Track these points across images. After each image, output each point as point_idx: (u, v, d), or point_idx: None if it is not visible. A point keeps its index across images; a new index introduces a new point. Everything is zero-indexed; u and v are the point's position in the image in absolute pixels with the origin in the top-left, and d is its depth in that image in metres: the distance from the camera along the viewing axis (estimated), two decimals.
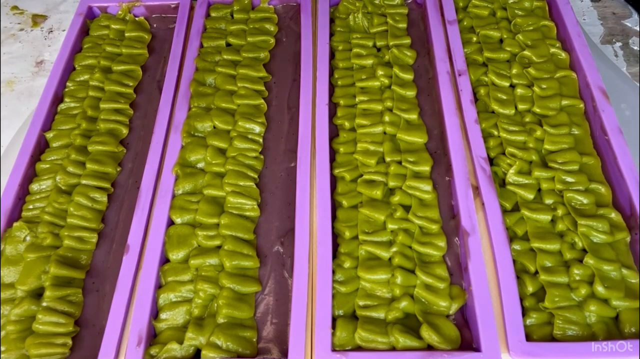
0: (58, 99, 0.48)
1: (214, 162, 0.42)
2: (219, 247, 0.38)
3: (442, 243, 0.37)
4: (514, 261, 0.36)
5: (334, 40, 0.50)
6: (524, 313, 0.35)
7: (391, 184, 0.40)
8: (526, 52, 0.47)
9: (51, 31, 0.61)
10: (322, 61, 0.47)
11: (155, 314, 0.36)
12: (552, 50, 0.47)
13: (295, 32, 0.52)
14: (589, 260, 0.35)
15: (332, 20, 0.52)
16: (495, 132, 0.43)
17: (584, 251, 0.36)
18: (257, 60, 0.48)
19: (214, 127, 0.44)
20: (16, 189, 0.41)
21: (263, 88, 0.47)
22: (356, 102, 0.45)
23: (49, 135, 0.45)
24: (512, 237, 0.38)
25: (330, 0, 0.52)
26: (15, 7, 0.63)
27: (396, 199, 0.39)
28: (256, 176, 0.42)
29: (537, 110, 0.44)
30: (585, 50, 0.46)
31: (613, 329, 0.34)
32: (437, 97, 0.46)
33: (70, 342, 0.35)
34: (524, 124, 0.43)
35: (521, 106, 0.44)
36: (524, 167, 0.40)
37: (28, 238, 0.39)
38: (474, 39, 0.49)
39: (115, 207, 0.42)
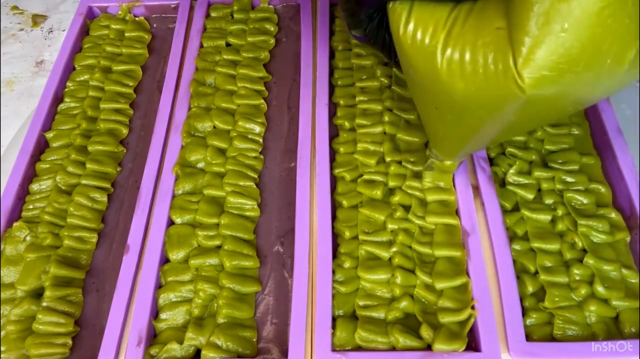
0: (58, 99, 0.48)
1: (214, 162, 0.42)
2: (219, 247, 0.38)
3: None
4: (514, 261, 0.36)
5: (334, 40, 0.50)
6: (524, 313, 0.35)
7: (391, 184, 0.40)
8: None
9: (51, 31, 0.61)
10: (322, 61, 0.47)
11: (155, 314, 0.36)
12: None
13: (295, 32, 0.51)
14: (589, 260, 0.35)
15: (332, 20, 0.52)
16: None
17: (584, 251, 0.36)
18: (257, 60, 0.48)
19: (214, 127, 0.44)
20: (16, 189, 0.41)
21: (263, 88, 0.47)
22: (356, 102, 0.45)
23: (49, 135, 0.45)
24: (512, 237, 0.38)
25: (331, 0, 0.52)
26: (15, 7, 0.63)
27: (396, 199, 0.39)
28: (256, 176, 0.42)
29: None
30: None
31: (613, 329, 0.34)
32: None
33: (70, 342, 0.35)
34: None
35: None
36: (524, 167, 0.40)
37: (28, 238, 0.39)
38: None
39: (115, 207, 0.42)
